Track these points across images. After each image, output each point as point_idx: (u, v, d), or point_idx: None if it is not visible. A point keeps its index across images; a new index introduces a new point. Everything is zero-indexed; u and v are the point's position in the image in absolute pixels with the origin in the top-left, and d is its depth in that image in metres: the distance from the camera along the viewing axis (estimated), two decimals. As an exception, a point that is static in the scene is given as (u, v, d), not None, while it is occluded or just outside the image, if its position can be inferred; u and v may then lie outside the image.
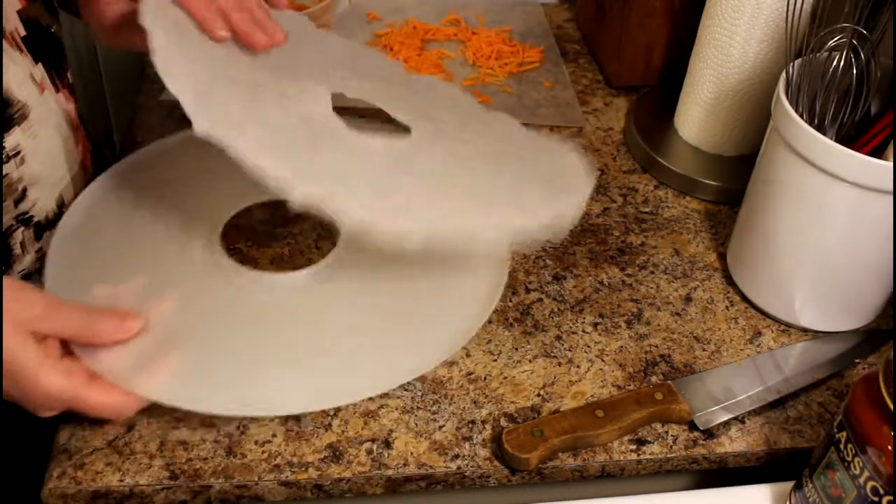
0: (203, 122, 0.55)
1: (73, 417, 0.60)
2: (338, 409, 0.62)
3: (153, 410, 0.61)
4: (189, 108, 0.55)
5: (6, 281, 0.55)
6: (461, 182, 0.63)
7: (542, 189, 0.64)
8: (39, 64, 0.65)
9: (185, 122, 0.56)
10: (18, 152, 0.63)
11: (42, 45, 0.66)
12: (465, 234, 0.59)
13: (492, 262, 0.67)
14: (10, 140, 0.62)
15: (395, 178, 0.61)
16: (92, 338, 0.57)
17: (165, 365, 0.58)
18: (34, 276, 0.68)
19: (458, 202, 0.60)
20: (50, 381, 0.55)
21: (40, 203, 0.66)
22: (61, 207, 0.69)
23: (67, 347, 0.57)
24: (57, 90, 0.68)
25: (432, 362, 0.61)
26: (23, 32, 0.64)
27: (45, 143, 0.65)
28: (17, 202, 0.64)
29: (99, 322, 0.58)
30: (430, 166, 0.64)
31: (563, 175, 0.67)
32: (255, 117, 0.59)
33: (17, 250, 0.66)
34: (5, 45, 0.62)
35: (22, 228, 0.65)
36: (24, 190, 0.64)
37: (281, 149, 0.58)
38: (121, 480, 0.58)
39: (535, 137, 0.74)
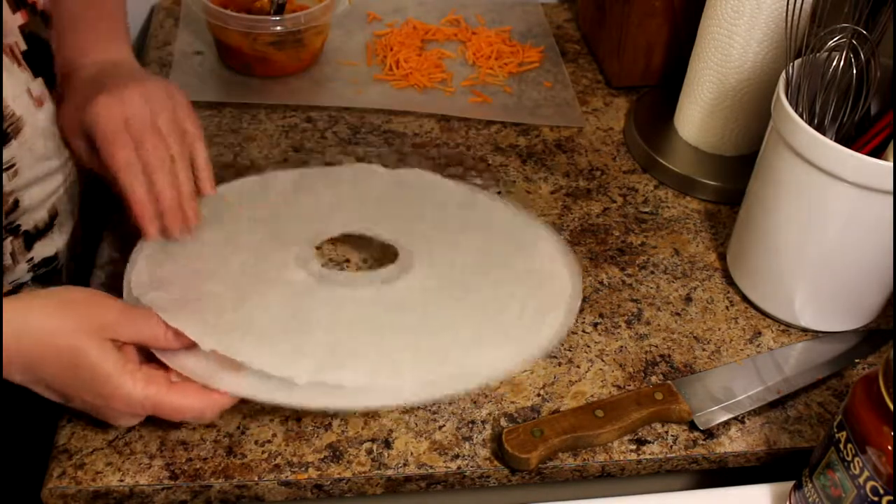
0: (208, 342, 0.57)
1: (74, 417, 0.60)
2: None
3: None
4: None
5: (83, 291, 0.56)
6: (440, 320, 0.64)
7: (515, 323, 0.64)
8: (39, 78, 0.65)
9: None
10: (13, 165, 0.63)
11: (41, 59, 0.66)
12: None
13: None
14: (6, 153, 0.62)
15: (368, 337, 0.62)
16: (172, 341, 0.57)
17: (251, 360, 0.57)
18: (26, 286, 0.68)
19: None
20: (133, 387, 0.54)
21: (31, 213, 0.66)
22: (53, 218, 0.69)
23: (145, 355, 0.57)
24: (53, 102, 0.67)
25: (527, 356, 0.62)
26: (24, 47, 0.64)
27: (38, 156, 0.65)
28: (8, 213, 0.64)
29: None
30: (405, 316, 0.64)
31: (545, 290, 0.67)
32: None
33: (8, 261, 0.65)
34: (4, 58, 0.62)
35: (11, 238, 0.65)
36: (17, 201, 0.64)
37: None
38: (121, 480, 0.58)
39: (520, 234, 0.72)
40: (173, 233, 0.64)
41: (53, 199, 0.68)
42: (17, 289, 0.68)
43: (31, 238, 0.67)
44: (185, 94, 0.68)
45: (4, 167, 0.62)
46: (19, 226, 0.65)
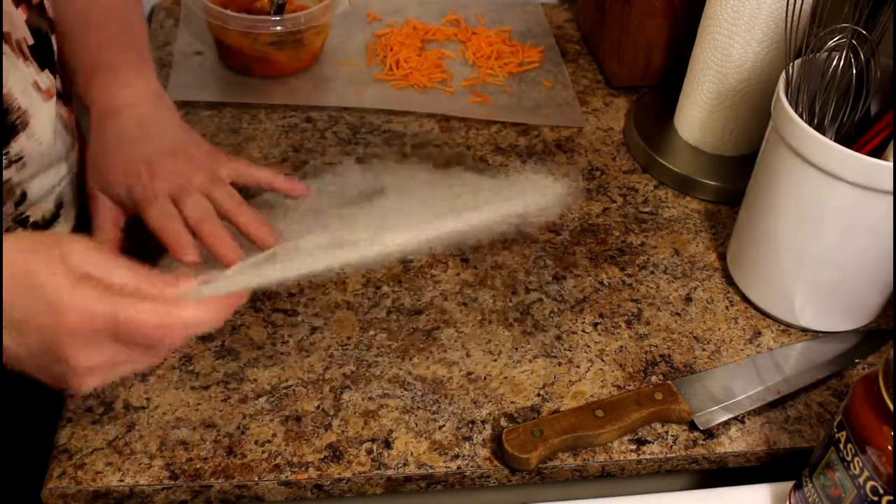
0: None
1: (74, 417, 0.61)
2: (337, 409, 0.62)
3: (153, 410, 0.62)
4: None
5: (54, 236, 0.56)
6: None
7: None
8: (46, 70, 0.65)
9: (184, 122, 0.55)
10: (21, 157, 0.63)
11: (46, 52, 0.66)
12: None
13: None
14: (15, 146, 0.62)
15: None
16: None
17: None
18: None
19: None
20: (92, 295, 0.45)
21: (40, 205, 0.67)
22: (59, 208, 0.69)
23: None
24: (55, 96, 0.68)
25: None
26: (31, 41, 0.64)
27: (45, 147, 0.65)
28: (16, 204, 0.64)
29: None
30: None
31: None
32: None
33: None
34: (9, 51, 0.62)
35: (20, 229, 0.65)
36: (24, 193, 0.64)
37: None
38: (121, 480, 0.58)
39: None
40: (226, 260, 0.60)
41: (59, 189, 0.69)
42: None
43: (40, 228, 0.67)
44: (222, 154, 0.68)
45: (14, 160, 0.62)
46: (28, 217, 0.66)
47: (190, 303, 0.49)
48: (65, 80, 0.70)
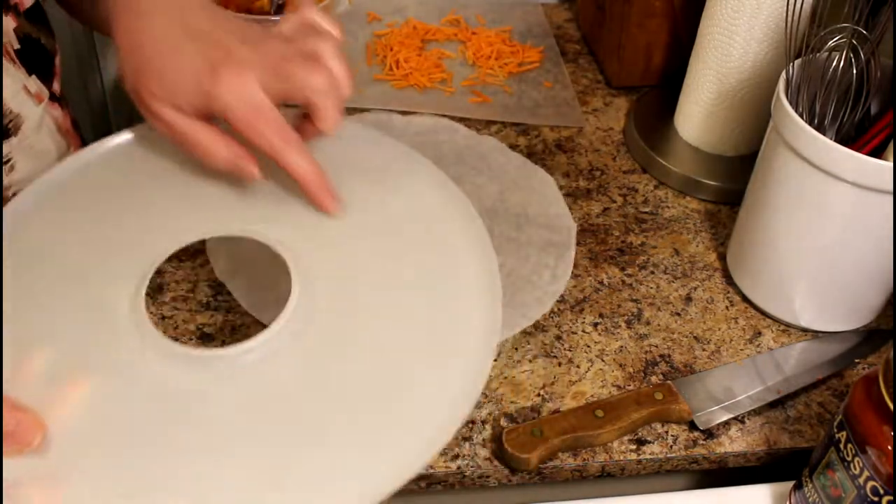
0: None
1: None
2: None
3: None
4: None
5: None
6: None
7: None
8: (34, 76, 0.65)
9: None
10: (9, 160, 0.63)
11: (33, 57, 0.66)
12: None
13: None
14: (4, 148, 0.62)
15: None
16: None
17: (69, 480, 0.44)
18: None
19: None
20: None
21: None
22: None
23: None
24: (48, 100, 0.68)
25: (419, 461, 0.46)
26: (17, 46, 0.64)
27: (38, 152, 0.65)
28: None
29: None
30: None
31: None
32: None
33: None
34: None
35: None
36: (14, 195, 0.64)
37: None
38: (121, 480, 0.57)
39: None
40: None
41: None
42: None
43: None
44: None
45: (3, 162, 0.62)
46: None
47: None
48: (62, 82, 0.70)
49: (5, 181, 0.63)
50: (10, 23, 0.64)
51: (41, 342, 0.47)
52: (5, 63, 0.63)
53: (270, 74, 0.51)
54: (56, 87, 0.71)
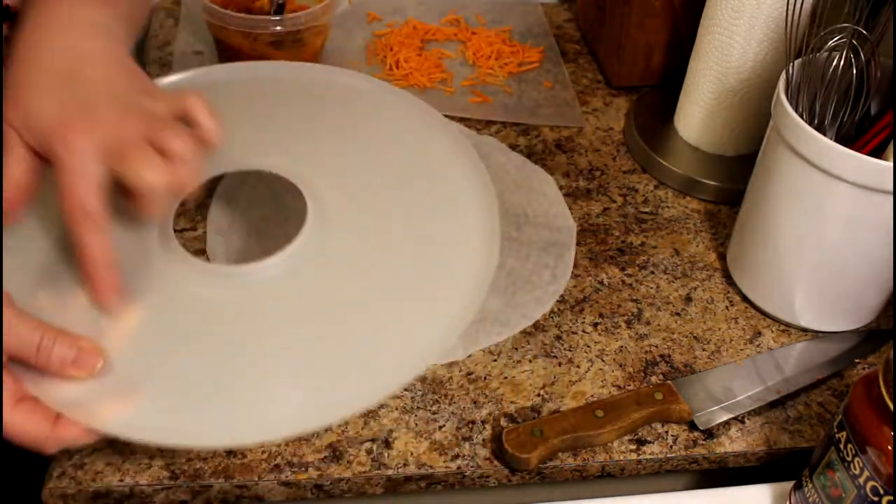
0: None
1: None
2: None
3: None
4: None
5: None
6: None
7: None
8: None
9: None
10: None
11: None
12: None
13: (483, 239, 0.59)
14: None
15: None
16: (43, 363, 0.49)
17: (128, 394, 0.50)
18: None
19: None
20: None
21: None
22: None
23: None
24: None
25: (434, 354, 0.54)
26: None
27: None
28: None
29: (53, 349, 0.49)
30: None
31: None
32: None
33: None
34: None
35: None
36: None
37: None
38: (121, 480, 0.58)
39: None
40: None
41: None
42: None
43: None
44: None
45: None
46: None
47: (69, 424, 0.49)
48: None
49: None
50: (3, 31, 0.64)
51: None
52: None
53: (114, 150, 0.51)
54: None
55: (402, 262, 0.57)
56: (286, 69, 0.68)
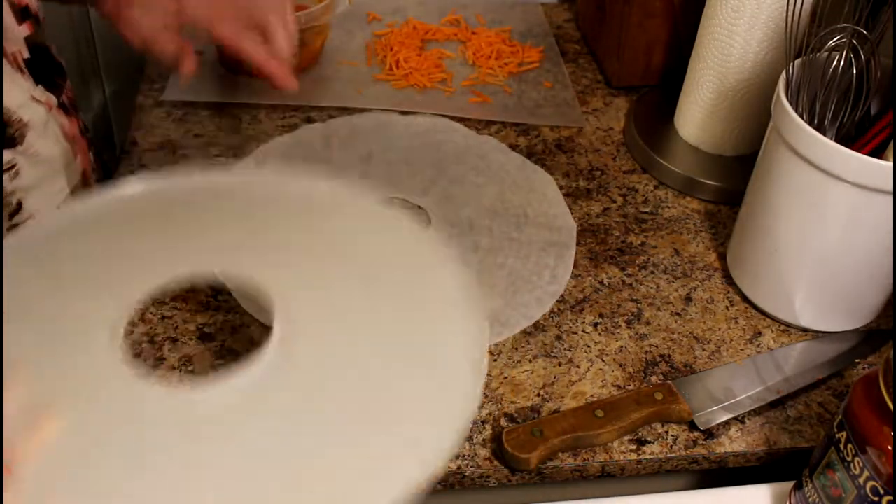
0: None
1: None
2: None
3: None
4: None
5: None
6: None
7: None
8: (40, 86, 0.66)
9: (184, 123, 0.55)
10: (13, 166, 0.63)
11: (42, 66, 0.66)
12: None
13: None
14: (6, 155, 0.62)
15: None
16: None
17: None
18: None
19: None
20: None
21: (38, 216, 0.66)
22: None
23: None
24: (55, 106, 0.68)
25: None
26: (26, 55, 0.64)
27: (44, 158, 0.66)
28: (11, 215, 0.64)
29: None
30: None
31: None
32: None
33: None
34: (7, 66, 0.62)
35: None
36: (20, 203, 0.64)
37: None
38: (121, 480, 0.57)
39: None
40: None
41: (58, 200, 0.69)
42: None
43: None
44: None
45: (6, 168, 0.62)
46: None
47: None
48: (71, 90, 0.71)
49: (9, 187, 0.63)
50: (23, 31, 0.64)
51: (18, 377, 0.46)
52: (13, 73, 0.63)
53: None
54: (67, 94, 0.71)
55: (373, 397, 0.48)
56: (258, 181, 0.60)
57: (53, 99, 0.66)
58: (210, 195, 0.55)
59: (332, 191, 0.55)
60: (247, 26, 0.64)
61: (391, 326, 0.50)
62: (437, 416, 0.46)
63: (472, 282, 0.51)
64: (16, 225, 0.65)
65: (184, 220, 0.54)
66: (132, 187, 0.55)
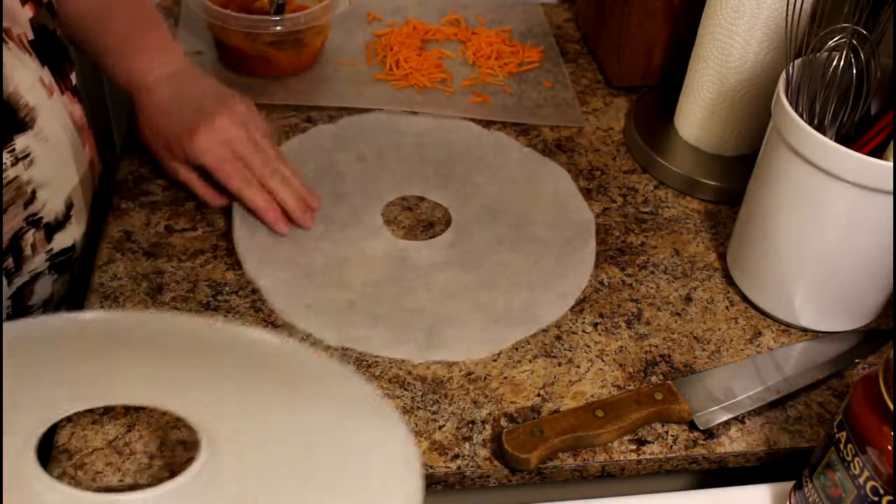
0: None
1: (73, 417, 0.60)
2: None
3: (153, 409, 0.61)
4: None
5: None
6: None
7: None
8: (46, 67, 0.65)
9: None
10: (27, 154, 0.63)
11: (47, 49, 0.66)
12: None
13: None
14: (20, 142, 0.62)
15: None
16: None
17: None
18: (43, 274, 0.69)
19: None
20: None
21: (49, 205, 0.66)
22: (70, 209, 0.69)
23: None
24: (62, 92, 0.68)
25: None
26: (31, 36, 0.64)
27: (53, 146, 0.65)
28: (26, 204, 0.64)
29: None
30: None
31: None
32: None
33: (28, 251, 0.66)
34: (15, 48, 0.62)
35: (32, 230, 0.65)
36: (34, 192, 0.64)
37: None
38: (121, 480, 0.58)
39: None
40: (306, 225, 0.74)
41: (69, 189, 0.69)
42: (34, 279, 0.68)
43: (52, 230, 0.67)
44: (252, 102, 0.77)
45: (20, 157, 0.62)
46: (41, 218, 0.66)
47: None
48: (79, 75, 0.71)
49: (24, 176, 0.63)
50: (27, 12, 0.64)
51: None
52: (21, 54, 0.62)
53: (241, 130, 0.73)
54: (73, 79, 0.71)
55: None
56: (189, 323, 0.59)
57: (55, 83, 0.66)
58: (164, 333, 0.55)
59: (281, 344, 0.55)
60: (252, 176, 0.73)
61: (314, 452, 0.50)
62: None
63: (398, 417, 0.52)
64: (35, 215, 0.65)
65: (129, 350, 0.54)
66: (85, 315, 0.55)
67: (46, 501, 0.47)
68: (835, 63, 0.63)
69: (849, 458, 0.51)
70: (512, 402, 0.64)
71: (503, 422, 0.62)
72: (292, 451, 0.51)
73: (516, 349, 0.67)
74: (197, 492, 0.47)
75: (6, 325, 0.52)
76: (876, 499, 0.50)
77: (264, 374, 0.54)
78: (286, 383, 0.54)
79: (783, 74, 0.65)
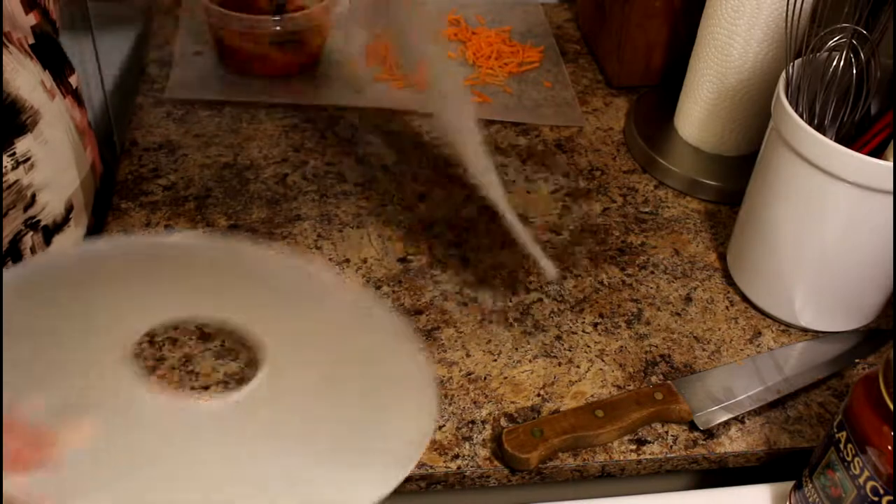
0: None
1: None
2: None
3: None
4: None
5: None
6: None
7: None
8: (47, 71, 0.66)
9: (184, 123, 0.55)
10: (28, 158, 0.63)
11: (47, 52, 0.66)
12: None
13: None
14: (22, 146, 0.62)
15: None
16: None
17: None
18: None
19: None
20: None
21: (49, 207, 0.66)
22: (69, 212, 0.69)
23: None
24: (63, 96, 0.68)
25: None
26: (31, 40, 0.64)
27: (54, 149, 0.66)
28: (26, 207, 0.64)
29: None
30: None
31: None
32: None
33: (27, 254, 0.66)
34: (16, 51, 0.62)
35: (31, 233, 0.65)
36: (34, 195, 0.64)
37: None
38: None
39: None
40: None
41: (70, 192, 0.69)
42: None
43: (50, 232, 0.67)
44: None
45: (21, 160, 0.62)
46: (39, 221, 0.66)
47: None
48: (79, 80, 0.71)
49: (25, 180, 0.63)
50: (30, 20, 0.64)
51: (41, 391, 0.47)
52: (21, 57, 0.63)
53: None
54: (74, 83, 0.71)
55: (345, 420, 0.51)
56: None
57: (56, 87, 0.66)
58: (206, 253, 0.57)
59: (321, 272, 0.55)
60: None
61: (355, 376, 0.52)
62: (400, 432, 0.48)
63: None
64: (33, 218, 0.65)
65: (173, 269, 0.55)
66: (115, 241, 0.57)
67: (147, 407, 0.50)
68: (835, 63, 0.63)
69: (849, 458, 0.51)
70: (512, 402, 0.64)
71: (503, 422, 0.62)
72: (337, 375, 0.53)
73: (516, 349, 0.67)
74: (260, 402, 0.51)
75: (95, 242, 0.53)
76: (876, 499, 0.50)
77: (320, 306, 0.55)
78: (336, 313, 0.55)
79: (783, 74, 0.65)
